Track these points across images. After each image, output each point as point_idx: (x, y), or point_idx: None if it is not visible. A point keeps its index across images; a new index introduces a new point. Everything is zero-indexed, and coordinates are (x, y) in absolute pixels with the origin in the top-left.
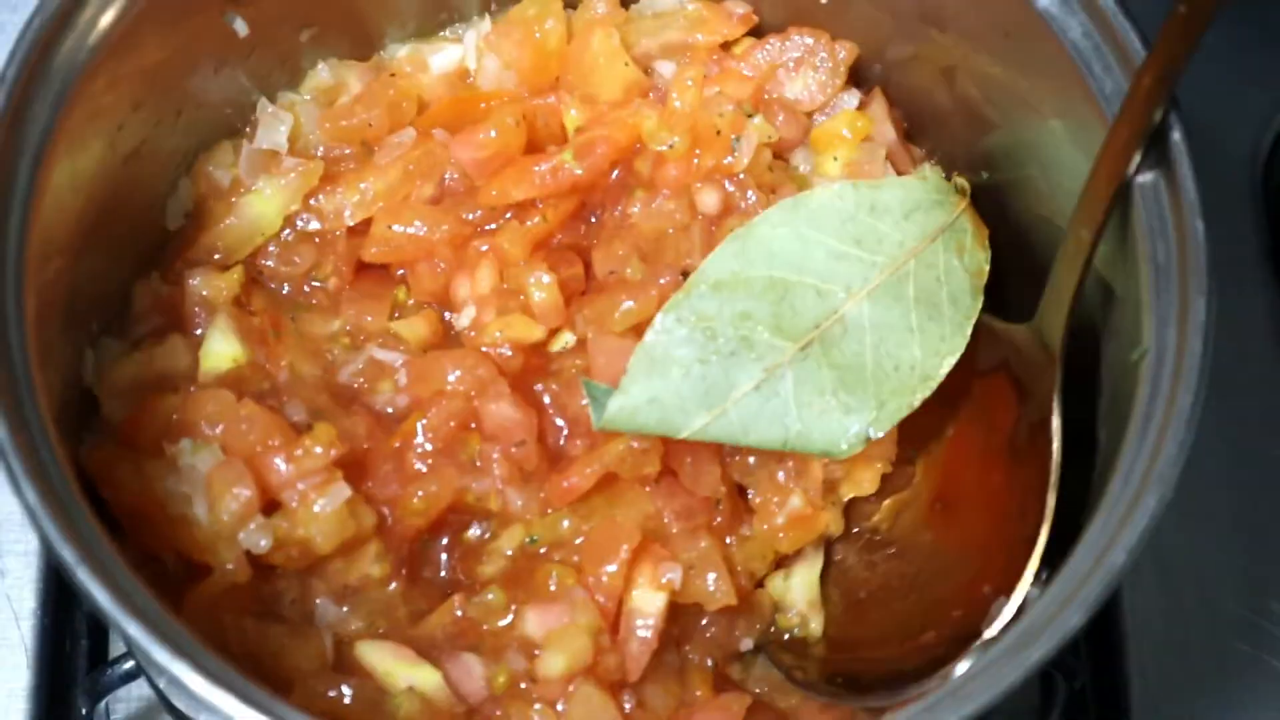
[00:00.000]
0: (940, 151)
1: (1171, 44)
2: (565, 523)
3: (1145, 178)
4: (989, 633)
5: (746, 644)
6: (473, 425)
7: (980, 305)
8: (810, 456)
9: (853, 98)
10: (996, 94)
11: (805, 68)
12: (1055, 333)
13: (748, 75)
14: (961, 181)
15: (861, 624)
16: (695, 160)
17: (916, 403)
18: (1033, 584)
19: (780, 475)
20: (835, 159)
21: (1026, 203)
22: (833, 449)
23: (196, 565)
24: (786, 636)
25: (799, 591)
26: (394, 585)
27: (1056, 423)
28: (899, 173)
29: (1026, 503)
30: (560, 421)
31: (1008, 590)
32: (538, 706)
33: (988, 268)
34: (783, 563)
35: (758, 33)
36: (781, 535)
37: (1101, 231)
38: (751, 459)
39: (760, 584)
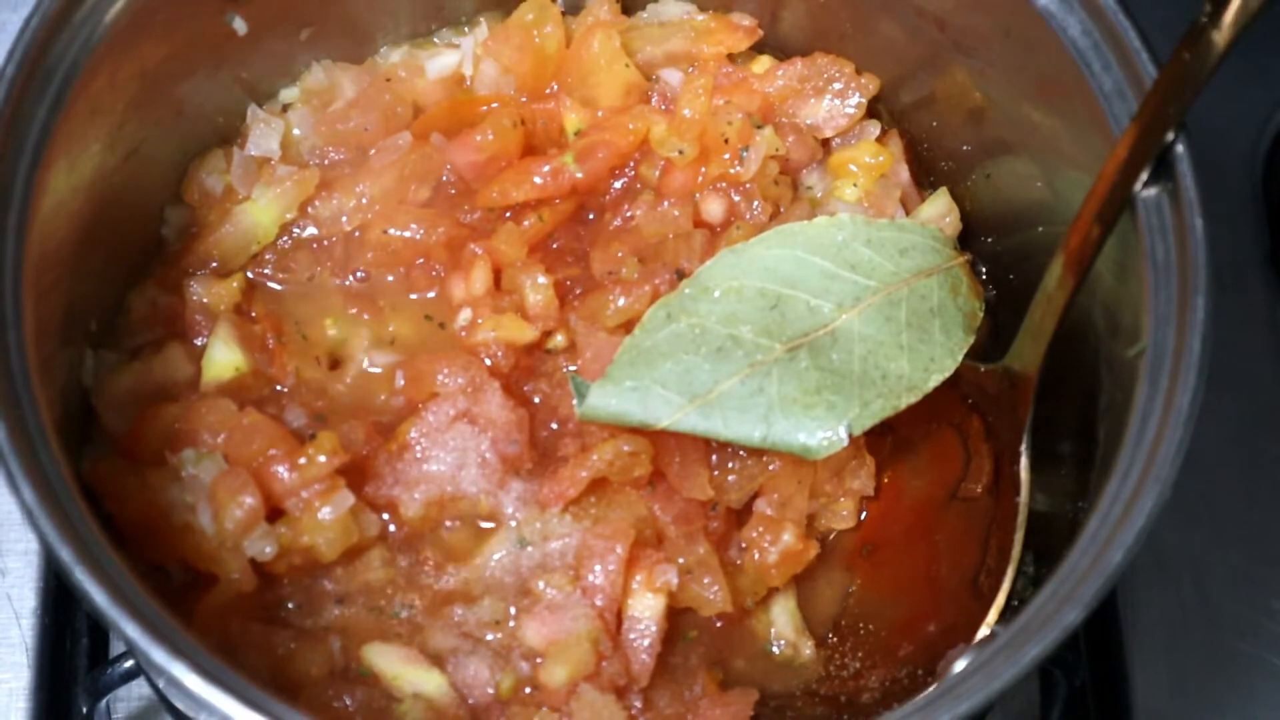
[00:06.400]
0: (943, 153)
1: (1152, 113)
2: (556, 525)
3: (1149, 184)
4: (958, 665)
5: (738, 665)
6: (466, 425)
7: (971, 341)
8: (795, 490)
9: (874, 128)
10: (999, 95)
11: (826, 95)
12: (1030, 372)
13: (757, 88)
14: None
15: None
16: (703, 168)
17: (902, 405)
18: (998, 622)
19: (768, 510)
20: (855, 185)
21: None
22: (810, 447)
23: (201, 575)
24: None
25: (783, 621)
26: (398, 590)
27: (1025, 461)
28: (906, 214)
29: (965, 544)
30: (552, 423)
31: (961, 629)
32: (544, 710)
33: (981, 315)
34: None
35: (782, 54)
36: (774, 571)
37: (1086, 275)
38: (732, 477)
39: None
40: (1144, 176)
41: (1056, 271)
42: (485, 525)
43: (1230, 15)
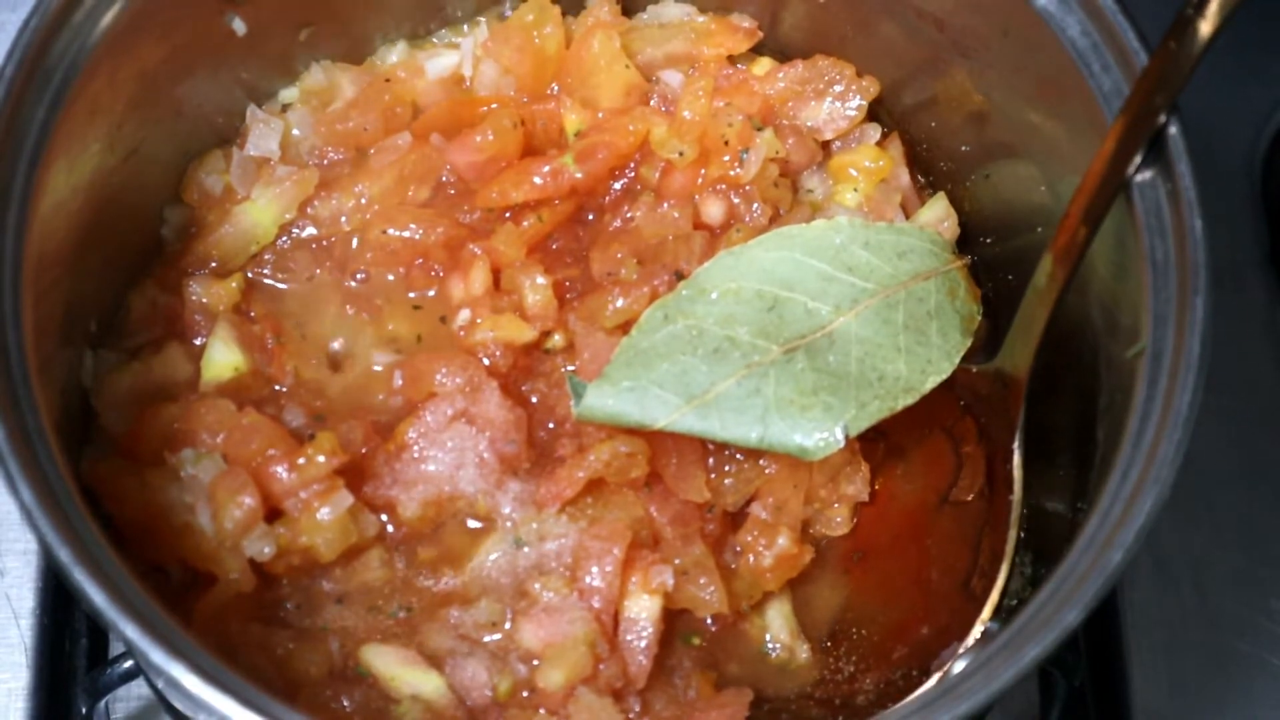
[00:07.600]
0: (943, 154)
1: (1139, 108)
2: (553, 526)
3: (1144, 176)
4: (956, 666)
5: (732, 669)
6: (465, 425)
7: (969, 344)
8: (790, 494)
9: (874, 132)
10: (998, 96)
11: (827, 97)
12: (1021, 371)
13: (757, 90)
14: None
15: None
16: (702, 170)
17: (898, 407)
18: (992, 619)
19: (763, 514)
20: (855, 190)
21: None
22: (806, 448)
23: (201, 575)
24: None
25: (778, 625)
26: (396, 590)
27: (1018, 460)
28: (907, 218)
29: (957, 547)
30: (550, 423)
31: (955, 631)
32: (542, 712)
33: (979, 318)
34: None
35: (783, 56)
36: (769, 575)
37: (1075, 270)
38: (729, 480)
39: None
40: (1136, 162)
41: (1046, 267)
42: (482, 526)
43: (1215, 4)
